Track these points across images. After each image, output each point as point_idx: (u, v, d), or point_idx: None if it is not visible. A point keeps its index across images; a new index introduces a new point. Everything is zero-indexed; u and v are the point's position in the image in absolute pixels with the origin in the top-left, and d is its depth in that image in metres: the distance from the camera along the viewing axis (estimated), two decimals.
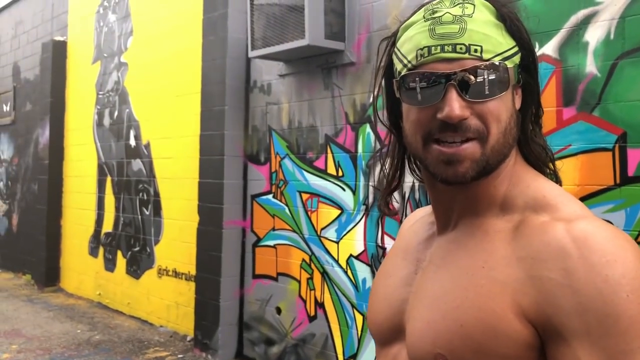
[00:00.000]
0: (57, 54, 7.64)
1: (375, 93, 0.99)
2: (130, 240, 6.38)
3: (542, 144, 0.95)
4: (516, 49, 0.88)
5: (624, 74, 2.67)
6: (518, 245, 0.83)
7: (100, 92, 6.96)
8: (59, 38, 7.76)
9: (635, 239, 2.61)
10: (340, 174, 4.12)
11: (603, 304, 0.73)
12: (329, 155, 4.20)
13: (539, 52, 2.96)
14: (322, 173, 4.25)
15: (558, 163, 1.00)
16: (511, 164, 0.91)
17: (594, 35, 2.78)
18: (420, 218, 1.09)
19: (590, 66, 2.79)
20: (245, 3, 4.41)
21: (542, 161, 0.95)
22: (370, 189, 3.91)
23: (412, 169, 1.02)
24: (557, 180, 0.96)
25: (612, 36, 2.72)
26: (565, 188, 0.94)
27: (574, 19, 2.85)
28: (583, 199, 2.72)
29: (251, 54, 4.37)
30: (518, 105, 0.91)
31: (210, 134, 4.97)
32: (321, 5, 3.91)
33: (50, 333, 5.65)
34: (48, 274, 7.67)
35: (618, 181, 2.69)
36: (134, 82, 6.38)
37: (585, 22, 2.81)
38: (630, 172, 2.65)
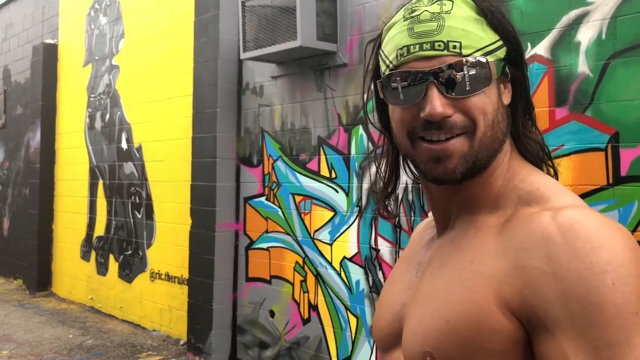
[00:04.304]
0: (48, 57, 7.60)
1: (365, 97, 0.99)
2: (122, 243, 6.34)
3: (538, 140, 0.94)
4: (500, 42, 0.87)
5: (616, 73, 2.68)
6: (505, 237, 0.81)
7: (92, 95, 6.93)
8: (49, 41, 7.71)
9: None
10: (333, 175, 4.11)
11: (587, 291, 0.70)
12: (322, 157, 4.19)
13: (531, 52, 2.96)
14: (315, 175, 4.23)
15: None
16: (506, 160, 0.90)
17: (585, 36, 2.78)
18: (426, 223, 1.09)
19: (582, 66, 2.79)
20: (237, 5, 4.39)
21: (538, 157, 0.93)
22: (364, 190, 3.90)
23: (405, 167, 1.01)
24: (556, 176, 0.94)
25: (603, 36, 2.72)
26: None
27: (566, 19, 2.85)
28: None
29: (243, 55, 4.35)
30: (507, 100, 0.90)
31: (202, 137, 4.95)
32: (313, 6, 3.90)
33: (42, 338, 5.60)
34: (40, 279, 7.61)
35: (611, 181, 2.69)
36: (125, 85, 6.35)
37: (577, 22, 2.81)
38: (623, 171, 2.65)
